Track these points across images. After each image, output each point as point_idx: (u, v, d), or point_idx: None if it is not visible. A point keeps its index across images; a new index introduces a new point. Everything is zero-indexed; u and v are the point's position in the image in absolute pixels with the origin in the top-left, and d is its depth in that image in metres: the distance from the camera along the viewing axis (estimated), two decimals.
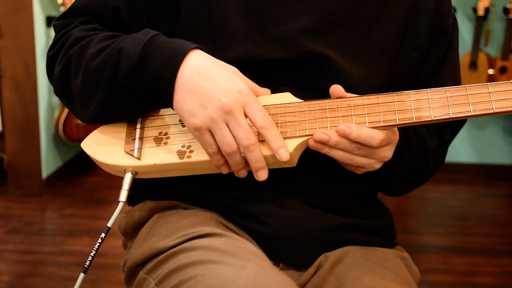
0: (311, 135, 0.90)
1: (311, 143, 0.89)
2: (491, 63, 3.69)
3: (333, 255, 0.99)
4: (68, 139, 3.53)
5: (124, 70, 0.89)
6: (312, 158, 0.95)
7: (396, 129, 0.93)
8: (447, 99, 0.87)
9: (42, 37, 3.39)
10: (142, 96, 0.91)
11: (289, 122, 0.92)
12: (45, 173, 3.49)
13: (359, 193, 1.05)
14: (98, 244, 0.93)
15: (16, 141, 3.40)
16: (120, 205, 0.95)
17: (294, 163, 0.92)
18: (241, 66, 0.92)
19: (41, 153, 3.43)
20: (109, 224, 0.93)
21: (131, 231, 1.08)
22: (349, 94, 0.92)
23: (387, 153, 0.92)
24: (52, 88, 3.51)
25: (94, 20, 1.01)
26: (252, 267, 0.78)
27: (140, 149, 0.96)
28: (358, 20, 1.01)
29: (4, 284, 2.45)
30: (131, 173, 0.95)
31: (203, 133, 0.86)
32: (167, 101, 0.89)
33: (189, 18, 0.98)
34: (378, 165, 0.93)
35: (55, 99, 3.57)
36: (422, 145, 1.04)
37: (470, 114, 0.86)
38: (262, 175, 0.88)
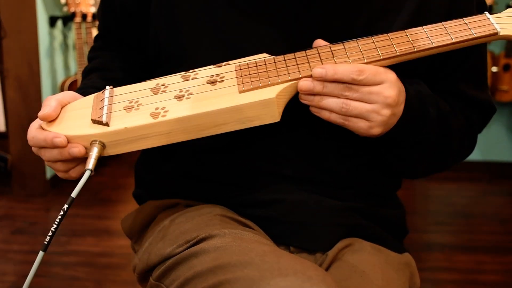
0: (294, 79, 0.86)
1: (301, 96, 0.86)
2: (494, 61, 3.68)
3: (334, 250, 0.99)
4: None
5: None
6: (318, 157, 0.96)
7: (388, 69, 0.88)
8: (445, 29, 0.88)
9: (46, 37, 3.40)
10: None
11: (269, 70, 0.88)
12: (49, 173, 3.49)
13: (371, 185, 1.03)
14: (59, 217, 0.86)
15: (20, 141, 3.40)
16: (87, 174, 0.85)
17: (278, 116, 0.86)
18: None
19: None
20: (73, 195, 0.86)
21: (136, 234, 1.09)
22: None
23: (386, 91, 0.85)
24: (55, 88, 3.52)
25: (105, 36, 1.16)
26: (271, 258, 0.81)
27: (109, 113, 0.88)
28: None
29: (9, 284, 2.45)
30: (99, 144, 0.86)
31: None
32: None
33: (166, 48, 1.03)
34: (385, 111, 0.86)
35: None
36: (444, 120, 0.98)
37: (472, 36, 0.87)
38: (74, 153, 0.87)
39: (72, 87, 3.50)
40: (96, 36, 1.17)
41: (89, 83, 1.05)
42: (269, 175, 0.97)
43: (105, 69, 1.10)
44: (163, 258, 0.93)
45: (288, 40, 0.94)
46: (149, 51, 1.07)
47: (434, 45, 0.86)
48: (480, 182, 3.86)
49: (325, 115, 0.87)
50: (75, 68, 3.71)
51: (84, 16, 3.42)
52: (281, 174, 0.97)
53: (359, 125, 0.86)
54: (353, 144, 0.96)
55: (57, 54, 3.55)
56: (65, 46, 3.66)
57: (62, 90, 3.50)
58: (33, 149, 0.92)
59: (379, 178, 1.03)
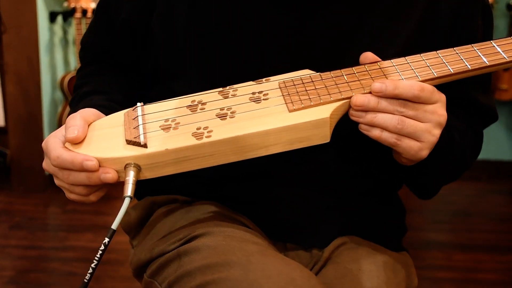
0: (347, 98, 0.81)
1: (352, 112, 0.81)
2: None
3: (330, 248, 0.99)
4: None
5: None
6: (316, 153, 0.95)
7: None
8: (476, 52, 0.84)
9: (46, 32, 3.39)
10: None
11: (318, 88, 0.82)
12: None
13: (370, 185, 1.02)
14: (100, 251, 0.79)
15: (20, 136, 3.40)
16: (127, 201, 0.78)
17: (329, 136, 0.81)
18: None
19: None
20: (114, 226, 0.78)
21: (133, 230, 1.10)
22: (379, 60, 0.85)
23: (440, 110, 0.82)
24: (55, 84, 3.52)
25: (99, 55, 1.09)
26: (256, 259, 0.81)
27: (145, 134, 0.80)
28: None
29: (7, 280, 2.45)
30: (134, 167, 0.78)
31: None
32: None
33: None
34: (437, 131, 0.83)
35: (59, 95, 3.57)
36: (463, 141, 0.97)
37: (505, 60, 0.83)
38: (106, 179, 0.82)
39: (71, 82, 3.50)
40: (83, 64, 1.11)
41: (96, 102, 0.97)
42: (266, 173, 0.97)
43: (103, 91, 1.03)
44: (156, 255, 0.93)
45: (293, 53, 0.93)
46: (147, 68, 1.04)
47: (488, 63, 0.82)
48: (479, 181, 3.86)
49: (375, 133, 0.81)
50: (75, 63, 3.70)
51: (84, 12, 3.42)
52: (278, 172, 0.97)
53: (410, 145, 0.82)
54: (353, 149, 0.96)
55: (57, 49, 3.55)
56: (65, 41, 3.65)
57: (61, 85, 3.50)
58: (49, 167, 0.85)
59: (379, 179, 1.03)
